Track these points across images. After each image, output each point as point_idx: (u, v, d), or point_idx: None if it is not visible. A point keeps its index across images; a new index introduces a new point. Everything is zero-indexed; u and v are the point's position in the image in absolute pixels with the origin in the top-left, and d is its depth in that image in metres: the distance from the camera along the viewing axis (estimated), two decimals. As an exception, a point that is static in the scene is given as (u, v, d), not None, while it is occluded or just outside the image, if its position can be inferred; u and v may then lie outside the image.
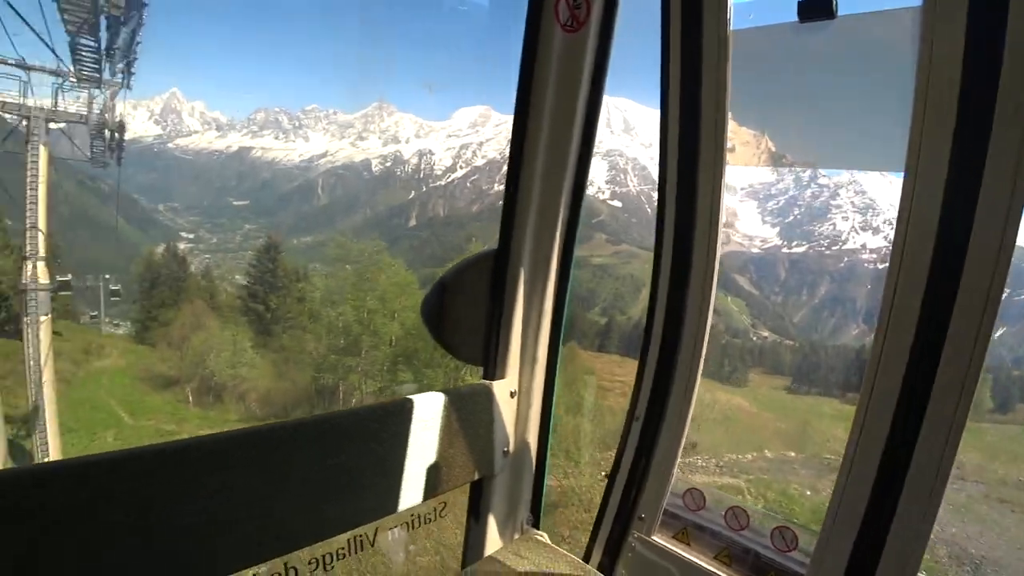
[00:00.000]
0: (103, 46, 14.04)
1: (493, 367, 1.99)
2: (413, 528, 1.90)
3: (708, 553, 1.92)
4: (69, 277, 39.36)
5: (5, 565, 1.12)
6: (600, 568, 2.01)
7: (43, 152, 18.05)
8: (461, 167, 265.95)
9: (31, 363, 18.27)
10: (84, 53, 14.72)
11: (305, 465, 1.47)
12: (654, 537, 1.97)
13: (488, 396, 1.90)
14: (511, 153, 1.88)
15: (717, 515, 1.98)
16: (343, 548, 1.71)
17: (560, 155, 1.86)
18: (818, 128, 2.10)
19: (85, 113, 18.53)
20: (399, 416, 1.66)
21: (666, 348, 1.92)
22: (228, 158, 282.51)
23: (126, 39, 14.17)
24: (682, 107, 1.82)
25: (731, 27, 1.74)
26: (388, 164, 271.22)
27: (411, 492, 1.68)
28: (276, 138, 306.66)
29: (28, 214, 18.09)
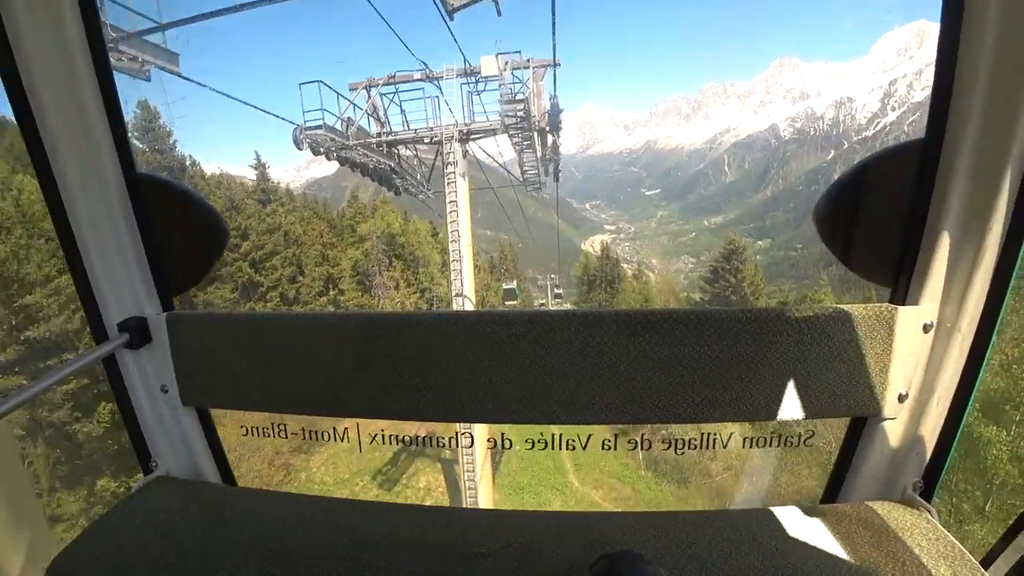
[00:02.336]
0: None
1: (904, 289, 1.50)
2: (771, 445, 1.95)
3: None
4: (514, 284, 39.03)
5: (401, 361, 1.55)
6: None
7: (463, 189, 12.52)
8: (894, 108, 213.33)
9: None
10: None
11: (673, 351, 1.47)
12: None
13: (891, 322, 1.47)
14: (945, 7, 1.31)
15: None
16: (695, 439, 1.80)
17: None
18: None
19: (503, 115, 12.14)
20: (776, 323, 1.46)
21: None
22: (636, 153, 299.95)
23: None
24: None
25: None
26: (799, 125, 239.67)
27: (776, 406, 1.49)
28: (678, 124, 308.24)
29: (453, 275, 12.91)
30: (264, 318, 1.73)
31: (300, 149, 11.30)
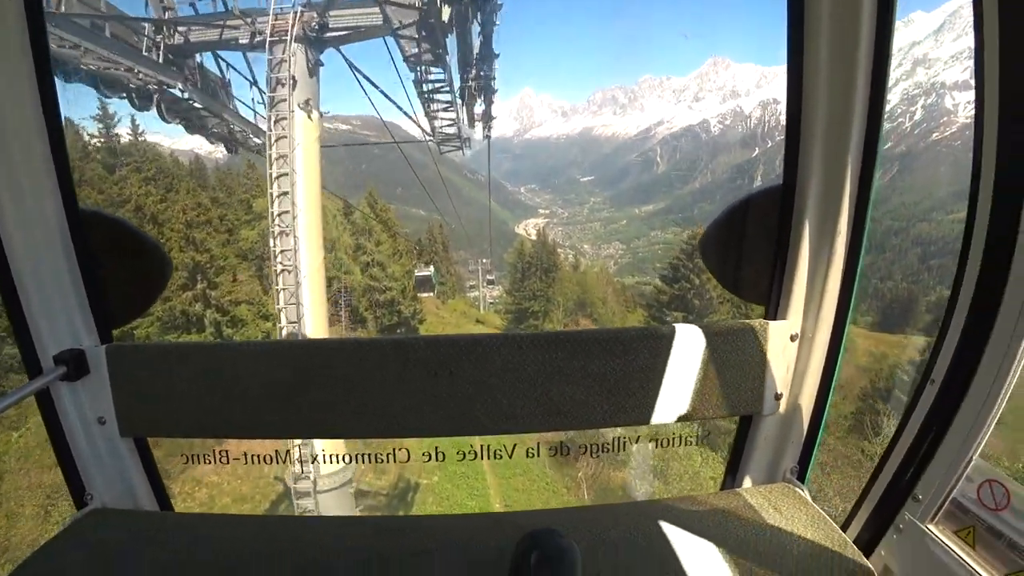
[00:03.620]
0: None
1: (775, 308, 1.76)
2: (673, 445, 2.24)
3: (999, 568, 1.39)
4: (430, 271, 33.27)
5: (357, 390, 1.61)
6: (858, 543, 1.63)
7: (308, 135, 6.58)
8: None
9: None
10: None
11: (584, 365, 1.62)
12: (929, 526, 1.53)
13: (764, 335, 1.72)
14: (789, 71, 1.54)
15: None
16: (608, 444, 2.04)
17: (846, 72, 1.44)
18: None
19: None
20: (671, 339, 1.66)
21: (984, 292, 1.33)
22: (573, 139, 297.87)
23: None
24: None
25: None
26: (728, 122, 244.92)
27: (673, 409, 1.70)
28: (614, 114, 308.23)
29: (281, 302, 7.16)
30: (204, 347, 1.77)
31: None
